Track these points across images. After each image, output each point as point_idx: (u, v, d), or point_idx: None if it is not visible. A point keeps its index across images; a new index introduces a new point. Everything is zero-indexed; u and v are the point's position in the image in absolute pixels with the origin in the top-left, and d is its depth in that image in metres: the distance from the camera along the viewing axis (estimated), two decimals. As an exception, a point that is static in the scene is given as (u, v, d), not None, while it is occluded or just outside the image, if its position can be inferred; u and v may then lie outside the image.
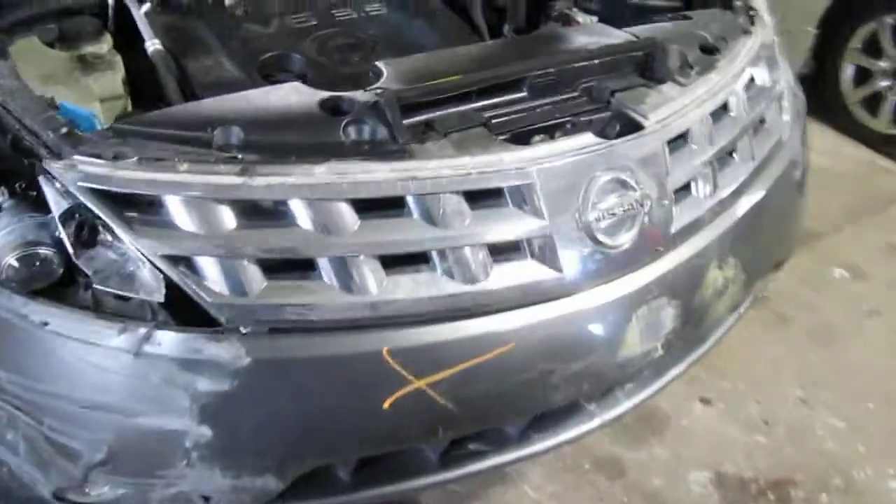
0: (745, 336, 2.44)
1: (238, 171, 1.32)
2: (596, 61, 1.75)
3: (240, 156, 1.37)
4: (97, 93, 1.76)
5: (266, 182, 1.33)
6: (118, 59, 1.83)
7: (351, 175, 1.37)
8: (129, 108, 1.87)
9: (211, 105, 1.52)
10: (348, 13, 2.11)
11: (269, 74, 1.89)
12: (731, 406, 2.38)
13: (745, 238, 1.82)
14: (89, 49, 1.81)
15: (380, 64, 1.67)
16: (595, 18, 2.36)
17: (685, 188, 1.72)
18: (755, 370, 2.50)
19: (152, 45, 1.83)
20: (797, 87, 2.24)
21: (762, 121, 1.99)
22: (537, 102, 1.69)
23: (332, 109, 1.51)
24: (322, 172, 1.36)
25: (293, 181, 1.34)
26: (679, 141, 1.73)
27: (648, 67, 1.83)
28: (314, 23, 2.04)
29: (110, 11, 1.93)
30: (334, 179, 1.36)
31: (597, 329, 1.57)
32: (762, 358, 2.55)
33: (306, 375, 1.37)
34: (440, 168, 1.42)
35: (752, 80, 2.06)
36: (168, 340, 1.31)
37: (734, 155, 1.89)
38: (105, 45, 1.84)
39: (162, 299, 1.31)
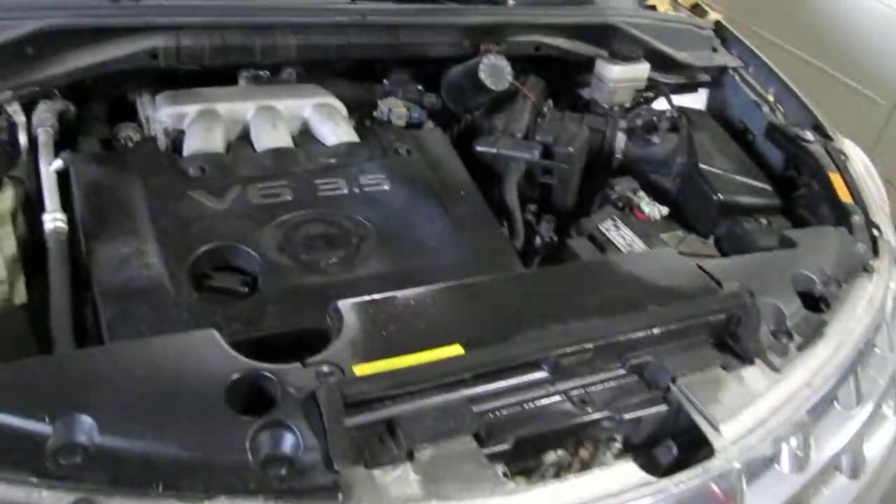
0: None
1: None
2: (655, 331, 1.23)
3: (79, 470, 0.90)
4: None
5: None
6: (8, 231, 1.38)
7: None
8: (17, 292, 1.42)
9: (72, 364, 1.05)
10: (336, 186, 1.62)
11: (204, 275, 1.43)
12: None
13: None
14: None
15: (342, 307, 1.18)
16: (665, 210, 1.86)
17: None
18: None
19: (52, 220, 1.38)
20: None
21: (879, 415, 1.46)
22: (562, 387, 1.18)
23: (243, 400, 1.02)
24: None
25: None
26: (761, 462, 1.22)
27: (730, 335, 1.32)
28: (288, 198, 1.57)
29: (22, 152, 1.50)
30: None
31: None
32: None
33: None
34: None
35: (871, 348, 1.53)
36: None
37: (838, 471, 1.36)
38: (-7, 207, 1.40)
39: None
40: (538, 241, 1.71)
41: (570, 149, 1.84)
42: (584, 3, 2.10)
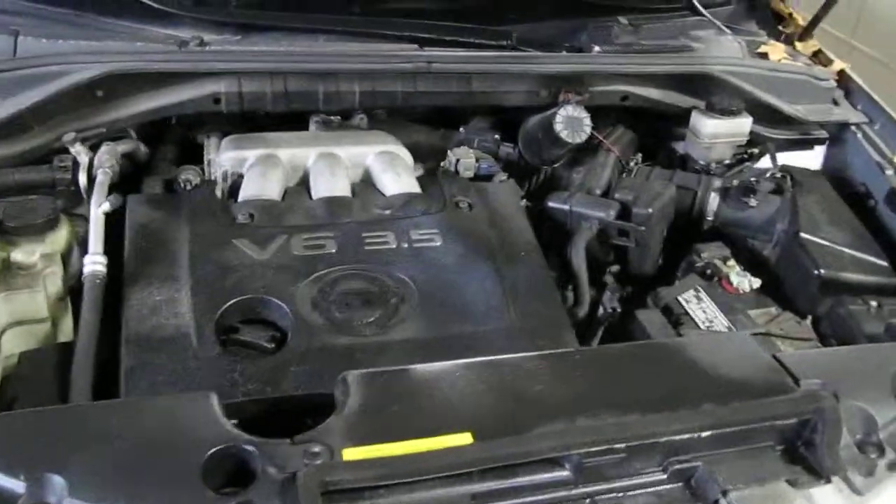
0: None
1: None
2: (706, 433, 1.07)
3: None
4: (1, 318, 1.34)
5: None
6: (54, 270, 1.41)
7: None
8: (63, 331, 1.43)
9: (57, 420, 1.03)
10: (385, 240, 1.55)
11: (232, 329, 1.39)
12: None
13: None
14: (18, 254, 1.41)
15: (349, 378, 1.10)
16: (756, 283, 1.66)
17: None
18: None
19: (91, 262, 1.38)
20: None
21: None
22: (587, 489, 1.04)
23: (223, 473, 0.96)
24: None
25: None
26: None
27: (804, 444, 1.13)
28: (332, 250, 1.51)
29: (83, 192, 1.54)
30: None
31: None
32: None
33: None
34: None
35: None
36: None
37: None
38: (42, 248, 1.42)
39: None
40: (600, 310, 1.56)
41: (650, 209, 1.68)
42: (682, 50, 1.94)
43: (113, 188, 1.55)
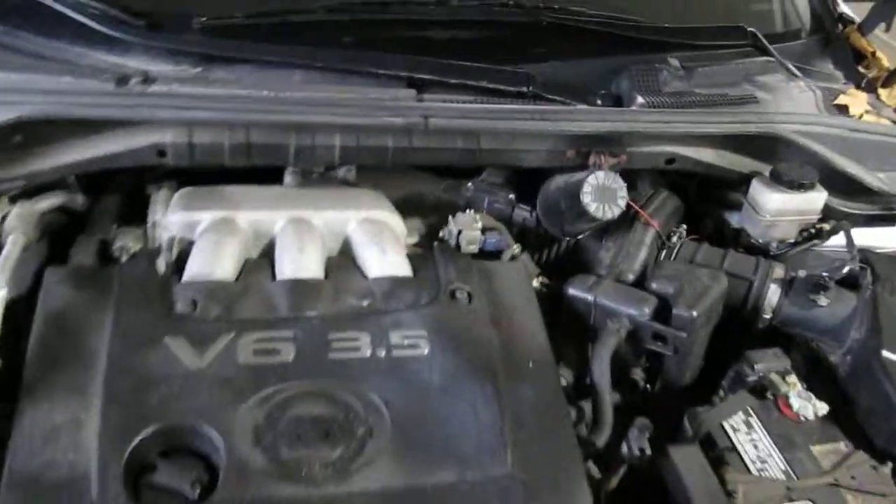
0: None
1: None
2: None
3: None
4: None
5: None
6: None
7: None
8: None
9: None
10: (356, 344, 1.22)
11: (149, 466, 1.09)
12: None
13: None
14: None
15: None
16: (823, 409, 1.34)
17: None
18: None
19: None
20: None
21: None
22: None
23: None
24: None
25: None
26: None
27: None
28: (287, 357, 1.17)
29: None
30: None
31: None
32: None
33: None
34: None
35: None
36: None
37: None
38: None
39: None
40: (623, 448, 1.25)
41: (694, 312, 1.36)
42: (746, 102, 1.60)
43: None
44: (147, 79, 1.32)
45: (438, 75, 1.44)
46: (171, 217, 1.40)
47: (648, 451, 1.21)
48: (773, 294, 1.50)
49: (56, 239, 1.42)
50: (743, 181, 1.57)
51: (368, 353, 1.22)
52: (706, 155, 1.56)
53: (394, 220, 1.47)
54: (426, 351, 1.24)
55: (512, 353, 1.28)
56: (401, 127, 1.33)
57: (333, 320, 1.27)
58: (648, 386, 1.49)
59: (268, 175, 1.52)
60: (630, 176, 1.54)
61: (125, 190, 1.52)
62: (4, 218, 1.29)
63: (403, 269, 1.39)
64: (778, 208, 1.52)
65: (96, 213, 1.46)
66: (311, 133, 1.36)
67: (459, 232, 1.47)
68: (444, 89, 1.44)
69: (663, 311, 1.42)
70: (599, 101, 1.51)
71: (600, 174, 1.43)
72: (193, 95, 1.32)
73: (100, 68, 1.38)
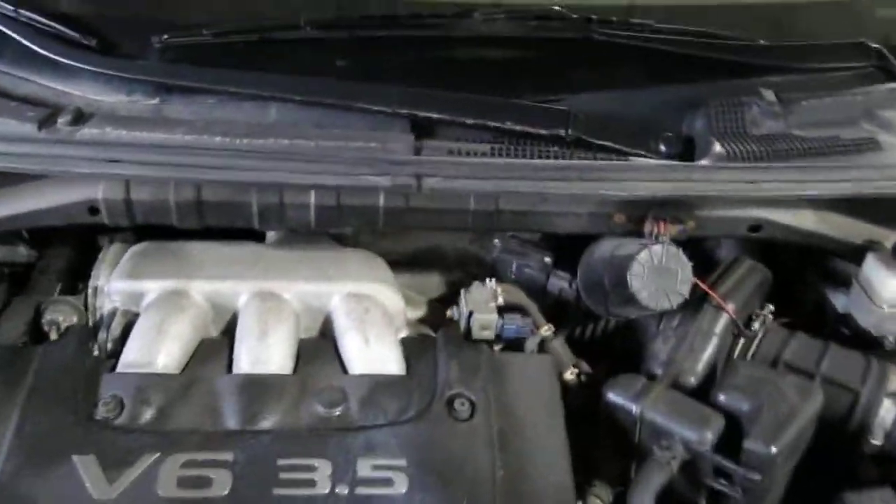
0: None
1: None
2: None
3: None
4: None
5: None
6: None
7: None
8: None
9: None
10: (313, 476, 0.90)
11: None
12: None
13: None
14: None
15: None
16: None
17: None
18: None
19: None
20: None
21: None
22: None
23: None
24: None
25: None
26: None
27: None
28: (221, 492, 0.88)
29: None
30: None
31: None
32: None
33: None
34: None
35: None
36: None
37: None
38: None
39: None
40: None
41: (773, 448, 1.02)
42: (863, 148, 1.21)
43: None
44: (79, 117, 1.07)
45: (450, 113, 1.12)
46: (114, 284, 1.15)
47: None
48: (888, 414, 1.13)
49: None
50: (856, 253, 1.20)
51: (326, 489, 0.94)
52: (805, 220, 1.18)
53: (387, 294, 1.17)
54: (403, 489, 0.94)
55: (519, 492, 0.98)
56: (388, 188, 1.03)
57: (289, 438, 0.98)
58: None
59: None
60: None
61: (76, 241, 1.29)
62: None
63: (392, 364, 1.10)
64: (896, 296, 1.15)
65: (38, 271, 1.24)
66: (279, 191, 1.08)
67: (471, 313, 1.16)
68: (455, 132, 1.13)
69: (733, 437, 1.08)
70: (663, 148, 1.16)
71: (656, 250, 1.09)
72: (128, 143, 1.05)
73: (38, 99, 1.14)
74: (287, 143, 1.06)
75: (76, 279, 1.23)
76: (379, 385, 1.06)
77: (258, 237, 1.30)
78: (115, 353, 1.11)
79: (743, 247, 1.36)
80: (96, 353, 1.10)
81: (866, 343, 1.22)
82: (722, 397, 1.11)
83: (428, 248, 1.36)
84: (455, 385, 1.06)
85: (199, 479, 0.94)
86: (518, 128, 1.12)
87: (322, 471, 0.96)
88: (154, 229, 1.23)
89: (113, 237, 1.24)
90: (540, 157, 1.10)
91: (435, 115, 1.12)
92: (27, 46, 1.17)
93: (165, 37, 1.18)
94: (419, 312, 1.26)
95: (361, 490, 0.94)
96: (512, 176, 1.07)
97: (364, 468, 0.96)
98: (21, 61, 1.19)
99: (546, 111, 1.15)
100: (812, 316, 1.29)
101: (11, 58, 1.20)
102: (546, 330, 1.21)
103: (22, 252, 1.24)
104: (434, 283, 1.37)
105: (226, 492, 0.93)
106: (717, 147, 1.16)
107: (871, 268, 1.18)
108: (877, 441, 1.13)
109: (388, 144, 1.07)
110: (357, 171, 1.04)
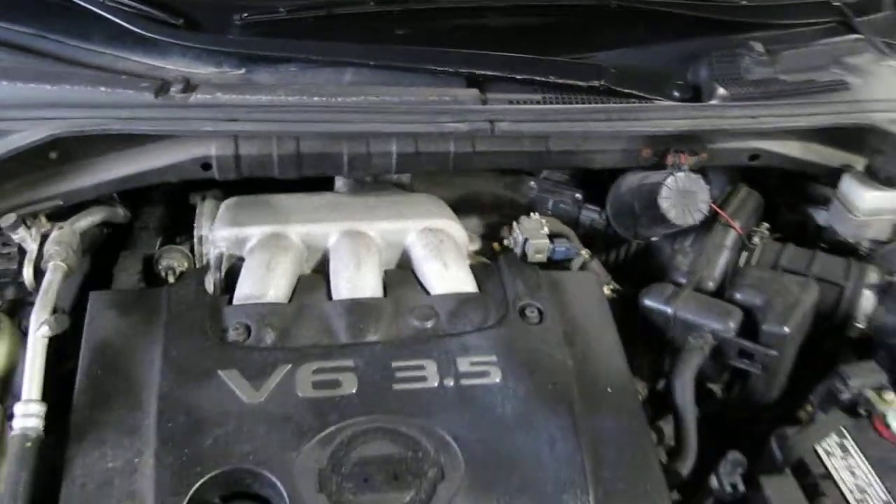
0: None
1: None
2: None
3: None
4: None
5: None
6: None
7: None
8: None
9: None
10: (423, 373, 1.13)
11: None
12: None
13: None
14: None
15: None
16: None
17: None
18: None
19: (22, 415, 1.04)
20: None
21: None
22: None
23: None
24: None
25: None
26: None
27: None
28: (351, 390, 1.09)
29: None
30: None
31: None
32: None
33: None
34: None
35: None
36: None
37: None
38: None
39: None
40: (713, 482, 1.17)
41: (786, 328, 1.27)
42: (835, 89, 1.47)
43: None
44: (188, 86, 1.24)
45: (502, 71, 1.34)
46: (218, 233, 1.33)
47: (742, 488, 1.13)
48: (867, 301, 1.39)
49: (98, 255, 1.36)
50: (832, 175, 1.46)
51: (436, 382, 1.15)
52: (793, 149, 1.44)
53: (455, 228, 1.38)
54: (497, 379, 1.16)
55: (588, 377, 1.20)
56: (465, 133, 1.24)
57: (396, 346, 1.19)
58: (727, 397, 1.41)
59: (314, 179, 1.44)
60: (705, 170, 1.44)
61: (168, 200, 1.46)
62: (44, 238, 1.22)
63: (468, 284, 1.31)
64: (873, 207, 1.40)
65: (139, 227, 1.40)
66: (366, 141, 1.27)
67: (525, 240, 1.38)
68: (509, 86, 1.34)
69: (749, 325, 1.33)
70: (677, 93, 1.39)
71: (680, 176, 1.33)
72: (239, 104, 1.23)
73: (136, 73, 1.30)
74: (376, 100, 1.25)
75: (173, 233, 1.40)
76: (461, 300, 1.27)
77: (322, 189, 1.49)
78: (225, 291, 1.29)
79: (730, 179, 1.62)
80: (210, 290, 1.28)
81: (844, 251, 1.48)
82: (738, 295, 1.35)
83: (468, 193, 1.56)
84: (523, 297, 1.28)
85: (330, 381, 1.14)
86: (560, 81, 1.35)
87: (429, 369, 1.17)
88: (235, 185, 1.41)
89: (204, 194, 1.41)
90: (581, 104, 1.32)
91: (490, 73, 1.33)
92: (121, 26, 1.33)
93: (245, 14, 1.35)
94: (475, 246, 1.47)
95: (464, 381, 1.15)
96: (563, 118, 1.29)
97: (463, 364, 1.17)
98: (115, 41, 1.35)
99: (581, 66, 1.38)
100: (794, 233, 1.55)
101: (106, 38, 1.35)
102: (585, 254, 1.44)
103: (119, 213, 1.39)
104: (473, 224, 1.58)
105: (354, 390, 1.13)
106: (721, 90, 1.40)
107: (848, 185, 1.44)
108: (861, 325, 1.40)
109: (460, 97, 1.27)
110: (438, 119, 1.24)
